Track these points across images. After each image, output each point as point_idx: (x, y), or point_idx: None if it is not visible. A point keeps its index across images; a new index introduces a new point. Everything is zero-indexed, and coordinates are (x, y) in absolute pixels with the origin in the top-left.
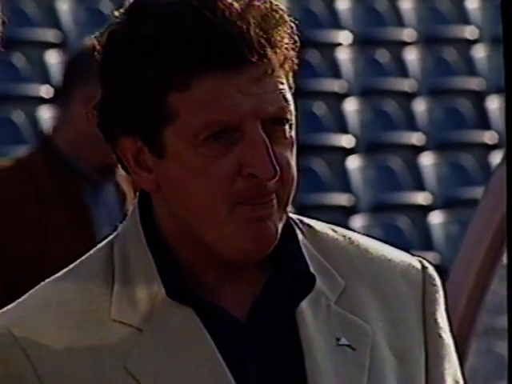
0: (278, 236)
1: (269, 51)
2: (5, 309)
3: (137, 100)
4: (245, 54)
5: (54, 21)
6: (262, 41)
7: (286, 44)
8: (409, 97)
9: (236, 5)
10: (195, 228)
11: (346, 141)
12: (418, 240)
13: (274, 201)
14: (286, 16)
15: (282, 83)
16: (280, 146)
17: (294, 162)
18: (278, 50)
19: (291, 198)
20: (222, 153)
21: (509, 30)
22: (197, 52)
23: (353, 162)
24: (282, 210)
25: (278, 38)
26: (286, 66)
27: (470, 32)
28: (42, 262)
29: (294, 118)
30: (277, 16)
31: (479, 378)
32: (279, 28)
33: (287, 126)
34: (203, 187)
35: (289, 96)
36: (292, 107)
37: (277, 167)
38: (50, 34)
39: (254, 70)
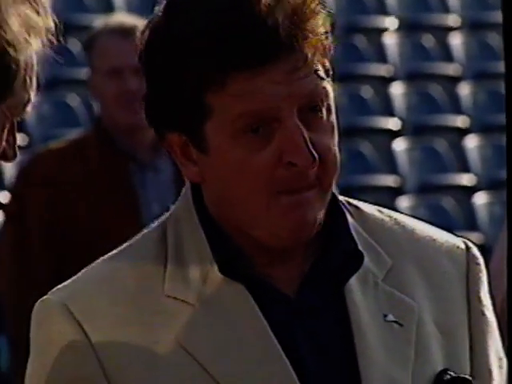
0: (318, 222)
1: (301, 43)
2: (61, 285)
3: (177, 99)
4: (276, 49)
5: (107, 6)
6: (294, 33)
7: (320, 33)
8: (453, 80)
9: (266, 1)
10: (238, 216)
11: (393, 123)
12: (463, 220)
13: (315, 188)
14: (318, 7)
15: (316, 70)
16: (319, 132)
17: (335, 146)
18: (310, 41)
19: (334, 181)
20: (261, 145)
21: (509, 30)
22: (229, 53)
23: (399, 145)
24: (324, 195)
25: (310, 29)
26: (320, 54)
27: None
28: (92, 239)
29: (332, 102)
30: (308, 8)
31: None
32: (311, 20)
33: (324, 111)
34: (245, 179)
35: (323, 82)
36: (329, 92)
37: (315, 154)
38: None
39: (287, 62)
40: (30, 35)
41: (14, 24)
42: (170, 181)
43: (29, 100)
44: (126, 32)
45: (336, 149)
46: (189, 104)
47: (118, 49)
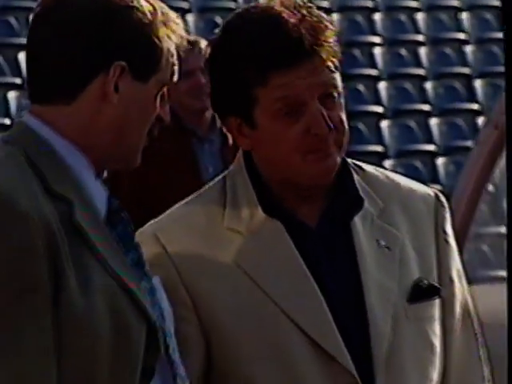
0: (337, 167)
1: (318, 49)
2: (152, 221)
3: (234, 93)
4: (300, 54)
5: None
6: (313, 43)
7: (332, 44)
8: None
9: (293, 20)
10: (282, 169)
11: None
12: (428, 176)
13: (333, 147)
14: (330, 25)
15: (330, 70)
16: (333, 110)
17: (344, 120)
18: (325, 49)
19: (346, 142)
20: (293, 123)
21: (509, 30)
22: (268, 59)
23: (384, 125)
24: (340, 151)
25: (324, 39)
26: (332, 56)
27: None
28: (164, 194)
29: (340, 88)
30: (323, 26)
31: (469, 269)
32: (325, 34)
33: (336, 96)
34: (284, 145)
35: (334, 75)
36: (338, 81)
37: (331, 125)
38: None
39: (308, 64)
40: (172, 34)
41: (161, 26)
42: (218, 150)
43: (172, 76)
44: (193, 44)
45: (345, 121)
46: (242, 96)
47: (189, 58)
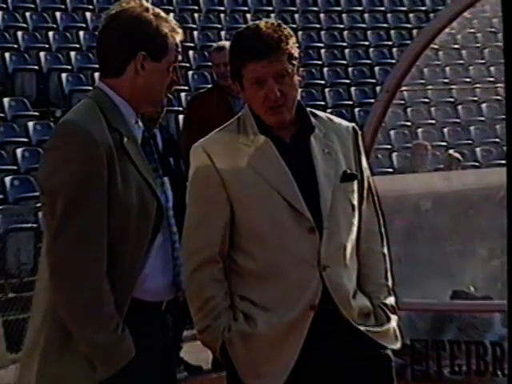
0: (288, 117)
1: (275, 52)
2: (202, 139)
3: (235, 71)
4: (263, 54)
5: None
6: (277, 46)
7: (290, 47)
8: None
9: (266, 33)
10: (261, 115)
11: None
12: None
13: (283, 107)
14: (289, 35)
15: (284, 62)
16: (283, 85)
17: (293, 90)
18: (280, 51)
19: (294, 102)
20: (259, 89)
21: (509, 30)
22: (249, 54)
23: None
24: (289, 107)
25: (285, 45)
26: (288, 53)
27: None
28: (213, 128)
29: (292, 72)
30: (284, 36)
31: (372, 166)
32: (287, 41)
33: (287, 77)
34: (255, 102)
35: (287, 66)
36: (289, 70)
37: (277, 94)
38: None
39: (271, 58)
40: (175, 33)
41: (166, 28)
42: (243, 103)
43: (176, 57)
44: (221, 48)
45: (294, 90)
46: (237, 73)
47: (219, 56)
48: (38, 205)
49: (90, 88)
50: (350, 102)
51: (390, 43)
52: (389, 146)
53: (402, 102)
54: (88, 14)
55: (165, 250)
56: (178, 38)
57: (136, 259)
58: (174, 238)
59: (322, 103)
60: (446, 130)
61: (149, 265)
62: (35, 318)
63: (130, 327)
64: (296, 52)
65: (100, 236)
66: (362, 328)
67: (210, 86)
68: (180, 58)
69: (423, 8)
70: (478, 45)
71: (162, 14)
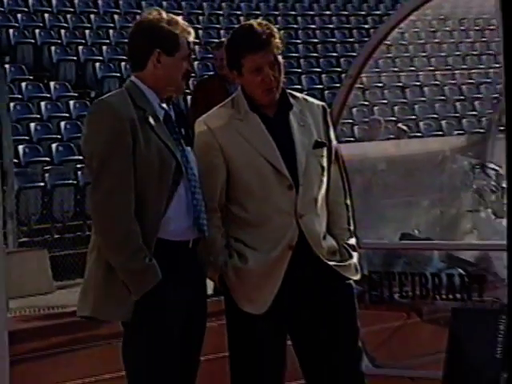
0: (277, 97)
1: (271, 44)
2: (204, 115)
3: (236, 62)
4: (259, 47)
5: None
6: (269, 41)
7: (277, 42)
8: None
9: (259, 30)
10: (254, 95)
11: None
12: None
13: (274, 88)
14: (276, 32)
15: (275, 54)
16: (275, 71)
17: (281, 75)
18: (273, 45)
19: (281, 85)
20: (257, 75)
21: (509, 30)
22: (247, 47)
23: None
24: (278, 89)
25: (274, 39)
26: (277, 47)
27: None
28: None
29: (280, 61)
30: (273, 33)
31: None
32: (276, 36)
33: (277, 65)
34: (253, 85)
35: (277, 57)
36: (280, 60)
37: (272, 79)
38: None
39: (266, 50)
40: (186, 34)
41: (177, 30)
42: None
43: (189, 53)
44: (219, 45)
45: (280, 76)
46: (237, 63)
47: (218, 52)
48: (78, 166)
49: (118, 75)
50: (321, 86)
51: (352, 40)
52: (351, 121)
53: (362, 86)
54: (116, 16)
55: (185, 199)
56: (191, 37)
57: (159, 206)
58: (194, 189)
59: (299, 87)
60: (395, 108)
61: (171, 210)
62: (89, 260)
63: (159, 263)
64: (281, 45)
65: (127, 188)
66: (330, 263)
67: (211, 73)
68: (191, 53)
69: (378, 12)
70: (422, 41)
71: (176, 18)
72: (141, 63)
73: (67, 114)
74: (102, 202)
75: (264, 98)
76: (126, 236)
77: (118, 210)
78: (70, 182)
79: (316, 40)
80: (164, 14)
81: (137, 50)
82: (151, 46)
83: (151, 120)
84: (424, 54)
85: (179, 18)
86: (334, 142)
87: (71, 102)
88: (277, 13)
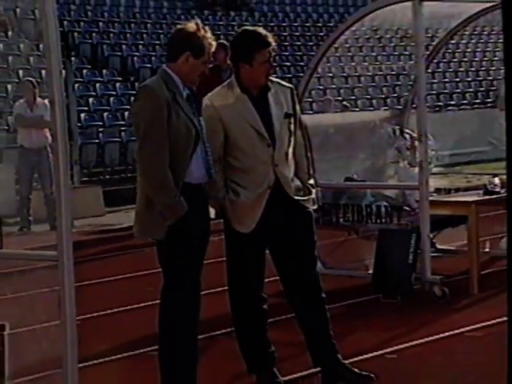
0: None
1: (272, 43)
2: (208, 94)
3: (248, 56)
4: (264, 46)
5: None
6: (270, 40)
7: (273, 45)
8: None
9: (263, 33)
10: (256, 80)
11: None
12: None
13: (270, 75)
14: (271, 39)
15: (271, 52)
16: (271, 62)
17: (272, 69)
18: (271, 46)
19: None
20: (263, 64)
21: (509, 30)
22: (261, 44)
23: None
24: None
25: (271, 39)
26: (273, 49)
27: None
28: (211, 89)
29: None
30: (269, 34)
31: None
32: (272, 40)
33: (272, 60)
34: (259, 72)
35: (272, 54)
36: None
37: (271, 70)
38: None
39: (266, 50)
40: (209, 44)
41: (205, 40)
42: (229, 75)
43: (209, 58)
44: (224, 44)
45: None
46: (250, 57)
47: (221, 50)
48: (122, 128)
49: (149, 66)
50: (290, 75)
51: (311, 43)
52: (310, 99)
53: (318, 75)
54: (148, 25)
55: (201, 155)
56: (212, 48)
57: (185, 159)
58: (206, 149)
59: (275, 75)
60: (341, 90)
61: (192, 163)
62: (138, 196)
63: (185, 197)
64: (275, 48)
65: (164, 148)
66: (296, 198)
67: (210, 65)
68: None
69: (330, 24)
70: (360, 44)
71: (207, 31)
72: (174, 57)
73: (114, 92)
74: (147, 157)
75: (264, 81)
76: (162, 180)
77: (157, 162)
78: (116, 139)
79: (286, 43)
80: (200, 27)
81: (174, 47)
82: (185, 48)
83: (179, 99)
84: (361, 54)
85: (208, 32)
86: (299, 114)
87: (117, 84)
88: (260, 24)
